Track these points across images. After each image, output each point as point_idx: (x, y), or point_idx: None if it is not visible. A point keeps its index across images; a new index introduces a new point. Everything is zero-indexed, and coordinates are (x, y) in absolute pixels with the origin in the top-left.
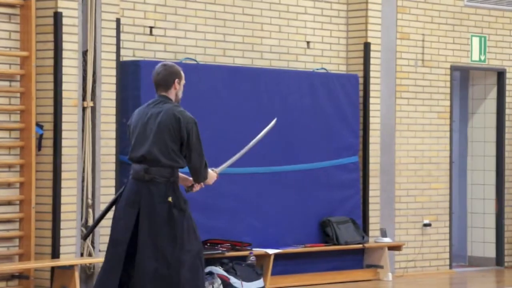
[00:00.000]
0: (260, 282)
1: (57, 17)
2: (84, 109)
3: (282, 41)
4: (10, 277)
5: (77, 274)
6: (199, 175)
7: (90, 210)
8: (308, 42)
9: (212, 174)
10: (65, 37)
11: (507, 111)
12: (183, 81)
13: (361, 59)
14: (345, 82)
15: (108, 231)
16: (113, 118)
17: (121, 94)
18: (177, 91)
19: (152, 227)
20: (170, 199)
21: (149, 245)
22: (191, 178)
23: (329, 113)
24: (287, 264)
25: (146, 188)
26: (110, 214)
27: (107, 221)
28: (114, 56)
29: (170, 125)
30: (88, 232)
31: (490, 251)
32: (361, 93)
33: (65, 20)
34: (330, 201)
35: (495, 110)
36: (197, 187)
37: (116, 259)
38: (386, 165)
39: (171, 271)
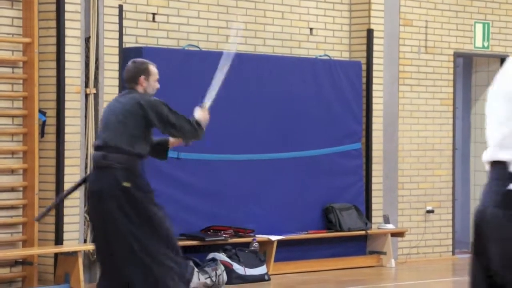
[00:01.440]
0: (263, 269)
1: (60, 4)
2: (87, 95)
3: (285, 28)
4: (14, 263)
5: (80, 261)
6: (196, 135)
7: None
8: (311, 29)
9: (204, 115)
10: (67, 23)
11: None
12: (153, 77)
13: (364, 45)
14: (348, 69)
15: None
16: None
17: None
18: (144, 87)
19: (112, 212)
20: (127, 184)
21: (113, 230)
22: None
23: (332, 100)
24: (290, 251)
25: (103, 174)
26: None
27: None
28: (116, 43)
29: (135, 111)
30: (42, 214)
31: None
32: (364, 80)
33: (67, 7)
34: (333, 188)
35: None
36: None
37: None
38: (389, 152)
39: (142, 254)
